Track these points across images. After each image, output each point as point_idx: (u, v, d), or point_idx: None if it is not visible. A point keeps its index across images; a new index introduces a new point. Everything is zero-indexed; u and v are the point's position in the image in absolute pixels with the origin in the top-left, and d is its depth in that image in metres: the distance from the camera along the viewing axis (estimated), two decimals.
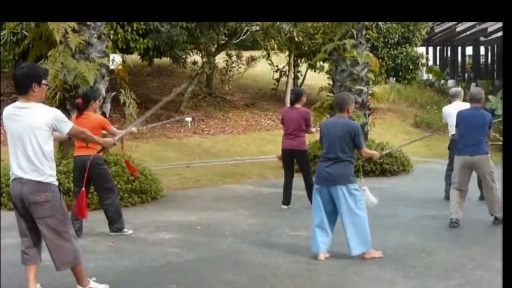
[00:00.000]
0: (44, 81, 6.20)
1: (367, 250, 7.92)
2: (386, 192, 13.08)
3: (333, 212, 8.04)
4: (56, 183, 6.25)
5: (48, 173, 6.11)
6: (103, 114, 12.44)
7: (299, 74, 30.07)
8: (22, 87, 6.07)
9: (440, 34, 37.74)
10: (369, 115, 17.05)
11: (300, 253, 8.13)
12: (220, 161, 18.52)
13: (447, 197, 11.05)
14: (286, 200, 11.65)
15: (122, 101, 12.98)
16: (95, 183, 9.61)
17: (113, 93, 12.88)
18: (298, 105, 11.58)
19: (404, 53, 28.64)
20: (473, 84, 29.44)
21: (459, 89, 12.87)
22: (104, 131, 9.55)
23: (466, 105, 10.70)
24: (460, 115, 10.14)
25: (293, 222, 10.25)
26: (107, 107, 12.67)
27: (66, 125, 6.17)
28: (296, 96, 11.73)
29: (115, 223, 9.57)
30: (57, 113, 6.19)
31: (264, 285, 6.98)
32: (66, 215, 6.32)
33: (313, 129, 11.67)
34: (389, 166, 15.88)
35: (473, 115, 9.90)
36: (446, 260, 7.95)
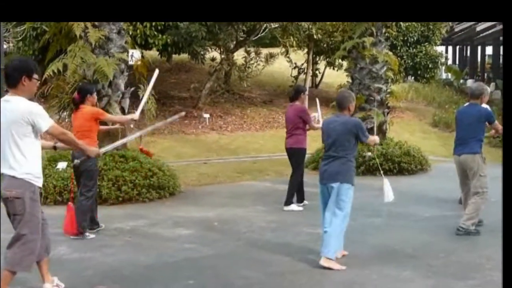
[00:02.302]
0: (35, 76, 6.03)
1: (326, 256, 7.46)
2: (403, 191, 13.02)
3: None
4: (34, 181, 5.96)
5: (23, 170, 5.87)
6: (122, 109, 12.49)
7: (317, 72, 30.07)
8: (11, 80, 5.93)
9: (459, 33, 37.55)
10: (387, 113, 17.01)
11: (318, 250, 8.09)
12: (238, 158, 18.52)
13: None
14: (299, 198, 11.56)
15: (140, 96, 12.99)
16: (81, 177, 9.29)
17: (132, 89, 12.92)
18: (297, 102, 11.37)
19: (424, 52, 28.53)
20: (493, 84, 29.28)
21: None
22: (108, 126, 9.50)
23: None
24: (457, 113, 9.89)
25: (310, 219, 10.21)
26: (126, 102, 12.72)
27: (45, 121, 5.91)
28: (295, 93, 11.52)
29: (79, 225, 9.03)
30: (35, 108, 5.92)
31: (281, 282, 6.98)
32: (32, 218, 5.94)
33: (317, 125, 11.25)
34: (406, 165, 15.81)
35: (466, 113, 9.50)
36: (464, 260, 7.89)
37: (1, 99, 5.99)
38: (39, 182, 6.05)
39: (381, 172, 9.90)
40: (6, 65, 6.10)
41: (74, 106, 9.33)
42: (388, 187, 8.21)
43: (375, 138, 8.25)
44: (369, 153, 15.09)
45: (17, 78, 5.91)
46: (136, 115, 9.75)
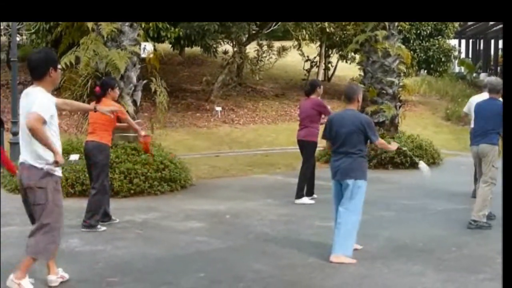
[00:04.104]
0: (59, 66, 6.14)
1: (344, 254, 7.46)
2: (415, 185, 12.99)
3: None
4: (56, 172, 6.03)
5: (44, 159, 5.93)
6: (134, 102, 12.50)
7: (330, 65, 30.04)
8: (39, 72, 5.98)
9: (473, 27, 37.38)
10: (399, 107, 16.97)
11: (329, 243, 8.08)
12: (250, 151, 18.52)
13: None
14: (309, 191, 11.50)
15: (153, 89, 13.01)
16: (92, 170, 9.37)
17: (144, 81, 12.92)
18: (313, 96, 11.35)
19: (436, 45, 28.44)
20: None
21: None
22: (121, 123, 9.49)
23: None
24: (476, 106, 9.90)
25: (322, 212, 10.19)
26: (138, 95, 12.71)
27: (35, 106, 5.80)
28: (312, 86, 11.50)
29: (88, 218, 9.06)
30: (39, 94, 5.93)
31: (292, 275, 6.97)
32: (55, 208, 6.02)
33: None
34: (419, 159, 15.75)
35: (486, 106, 9.54)
36: (476, 254, 7.87)
37: (23, 92, 6.06)
38: (60, 172, 6.14)
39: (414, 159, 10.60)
40: (30, 58, 6.11)
41: (96, 99, 9.29)
42: (423, 166, 8.85)
43: (390, 146, 8.54)
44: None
45: (45, 70, 5.97)
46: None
